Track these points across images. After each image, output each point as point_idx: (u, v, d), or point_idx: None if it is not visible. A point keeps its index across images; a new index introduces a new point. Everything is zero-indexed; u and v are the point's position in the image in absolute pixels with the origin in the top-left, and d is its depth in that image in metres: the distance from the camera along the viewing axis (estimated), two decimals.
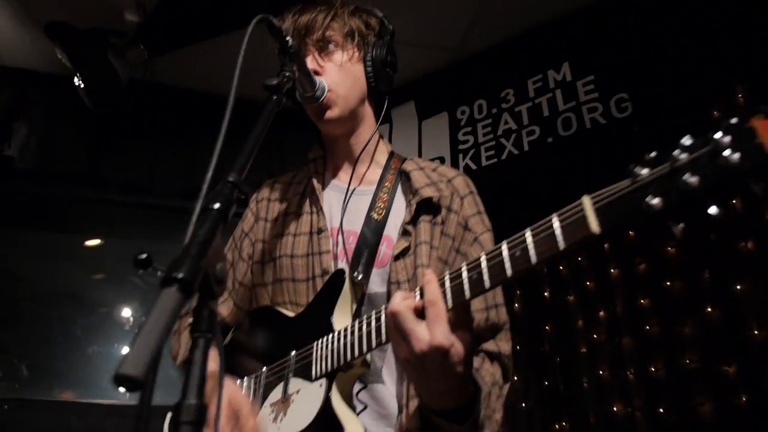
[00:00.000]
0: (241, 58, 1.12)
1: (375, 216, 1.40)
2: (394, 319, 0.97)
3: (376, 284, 1.34)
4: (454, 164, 3.65)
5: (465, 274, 0.94)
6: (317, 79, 1.39)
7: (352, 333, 1.13)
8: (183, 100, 3.91)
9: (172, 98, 3.89)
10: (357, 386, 1.25)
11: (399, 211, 1.42)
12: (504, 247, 0.89)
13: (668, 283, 2.79)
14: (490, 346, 1.30)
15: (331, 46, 1.47)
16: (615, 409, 2.98)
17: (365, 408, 1.24)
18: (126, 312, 7.99)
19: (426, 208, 1.38)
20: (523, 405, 3.53)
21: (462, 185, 1.47)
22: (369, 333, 1.08)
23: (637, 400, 2.85)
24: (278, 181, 1.65)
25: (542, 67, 3.51)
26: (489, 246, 1.39)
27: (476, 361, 1.23)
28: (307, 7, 1.48)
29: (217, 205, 0.85)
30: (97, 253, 5.61)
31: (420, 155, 3.83)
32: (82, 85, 3.11)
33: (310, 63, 1.42)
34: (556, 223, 0.82)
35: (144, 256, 0.71)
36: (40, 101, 3.57)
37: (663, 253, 2.86)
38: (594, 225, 0.77)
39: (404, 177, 1.47)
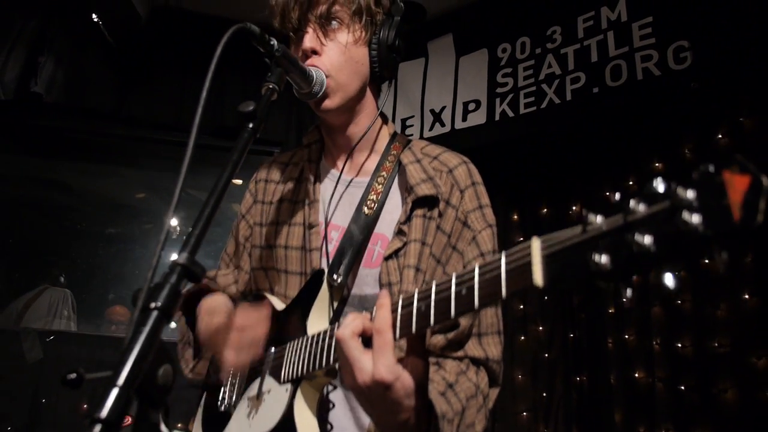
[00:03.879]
0: (208, 82, 1.01)
1: (366, 211, 1.31)
2: (338, 346, 0.93)
3: (369, 286, 1.28)
4: (491, 110, 3.42)
5: (415, 304, 0.87)
6: (312, 72, 1.25)
7: (318, 343, 1.09)
8: (210, 28, 3.72)
9: (198, 27, 3.72)
10: (329, 386, 1.23)
11: (394, 205, 1.33)
12: (453, 280, 0.81)
13: (707, 261, 2.61)
14: (475, 351, 1.23)
15: (335, 24, 1.30)
16: (637, 375, 2.94)
17: (333, 407, 1.22)
18: (173, 221, 8.40)
19: (422, 201, 1.29)
20: (546, 355, 3.53)
21: (463, 176, 1.34)
22: (331, 346, 1.04)
23: (660, 372, 2.79)
24: (276, 162, 1.56)
25: (596, 2, 3.15)
26: (487, 246, 1.29)
27: (454, 372, 1.17)
28: None
29: (159, 304, 0.78)
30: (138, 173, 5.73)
31: (455, 96, 3.60)
32: (101, 22, 3.00)
33: (309, 41, 1.27)
34: (503, 266, 0.73)
35: (73, 376, 0.65)
36: (64, 33, 3.48)
37: None
38: (538, 276, 0.68)
39: (402, 167, 1.36)
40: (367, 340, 0.93)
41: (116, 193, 6.34)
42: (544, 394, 3.43)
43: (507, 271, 0.73)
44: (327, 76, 1.27)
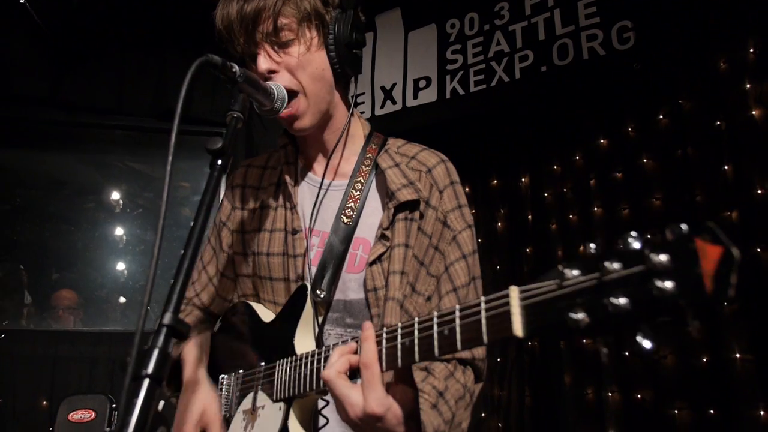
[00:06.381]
0: (182, 100, 0.98)
1: (344, 220, 1.32)
2: (327, 385, 0.96)
3: (353, 291, 1.30)
4: (441, 87, 3.44)
5: (399, 339, 0.90)
6: (273, 88, 1.21)
7: (307, 365, 1.12)
8: (148, 4, 3.54)
9: (136, 3, 3.53)
10: (321, 402, 1.26)
11: (373, 209, 1.34)
12: (435, 319, 0.85)
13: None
14: (462, 352, 1.30)
15: (285, 36, 1.25)
16: (584, 340, 3.11)
17: (327, 422, 1.26)
18: (115, 195, 8.04)
19: (403, 206, 1.30)
20: None
21: (442, 175, 1.36)
22: (320, 370, 1.08)
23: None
24: (252, 165, 1.54)
25: None
26: (468, 247, 1.33)
27: (443, 376, 1.22)
28: None
29: (149, 371, 0.79)
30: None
31: (405, 73, 3.59)
32: (27, 4, 2.80)
33: (263, 63, 1.23)
34: (482, 312, 0.77)
35: None
36: None
37: (648, 204, 2.81)
38: (518, 327, 0.71)
39: (379, 170, 1.36)
40: (353, 371, 0.96)
41: (55, 172, 6.04)
42: (498, 359, 3.60)
43: (487, 319, 0.77)
44: (295, 91, 1.24)
